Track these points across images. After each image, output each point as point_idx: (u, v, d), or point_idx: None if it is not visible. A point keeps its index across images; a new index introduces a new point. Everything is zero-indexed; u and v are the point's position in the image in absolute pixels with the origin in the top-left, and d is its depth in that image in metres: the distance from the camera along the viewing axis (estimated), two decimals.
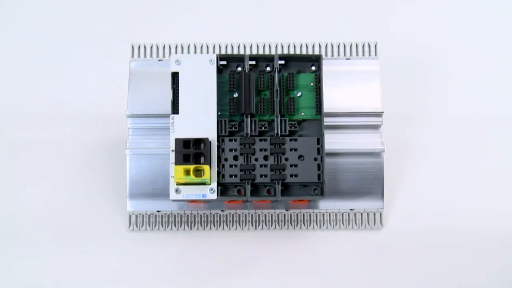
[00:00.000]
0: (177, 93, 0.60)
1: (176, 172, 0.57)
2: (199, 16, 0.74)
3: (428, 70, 0.71)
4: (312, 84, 0.61)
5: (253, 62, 0.61)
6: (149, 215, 0.65)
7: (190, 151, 0.57)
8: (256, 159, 0.59)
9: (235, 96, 0.60)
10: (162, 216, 0.65)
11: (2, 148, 0.68)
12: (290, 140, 0.59)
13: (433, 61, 0.72)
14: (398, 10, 0.74)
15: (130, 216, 0.65)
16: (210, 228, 0.65)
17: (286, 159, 0.59)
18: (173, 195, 0.58)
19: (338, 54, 0.66)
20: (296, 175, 0.59)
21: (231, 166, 0.59)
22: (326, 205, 0.64)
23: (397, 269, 0.64)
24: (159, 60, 0.65)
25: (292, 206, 0.64)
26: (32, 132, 0.69)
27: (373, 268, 0.64)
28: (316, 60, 0.61)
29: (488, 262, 0.64)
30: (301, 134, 0.60)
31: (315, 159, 0.59)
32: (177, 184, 0.58)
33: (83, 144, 0.68)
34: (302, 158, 0.59)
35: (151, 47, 0.66)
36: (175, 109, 0.59)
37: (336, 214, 0.65)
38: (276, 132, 0.60)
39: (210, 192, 0.58)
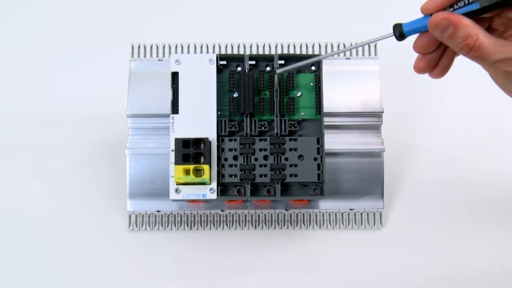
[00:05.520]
0: (177, 93, 0.60)
1: (176, 172, 0.57)
2: (199, 16, 0.74)
3: None
4: (312, 84, 0.61)
5: (253, 62, 0.61)
6: (149, 215, 0.65)
7: (190, 151, 0.57)
8: (256, 159, 0.59)
9: (235, 96, 0.60)
10: (162, 216, 0.65)
11: (2, 148, 0.68)
12: (290, 140, 0.59)
13: None
14: (398, 10, 0.74)
15: (130, 216, 0.65)
16: (210, 228, 0.65)
17: (286, 159, 0.59)
18: (173, 195, 0.58)
19: (338, 54, 0.66)
20: (296, 175, 0.59)
21: (231, 166, 0.59)
22: (326, 205, 0.64)
23: (397, 269, 0.64)
24: (159, 60, 0.65)
25: (292, 206, 0.64)
26: (32, 132, 0.69)
27: (373, 268, 0.64)
28: None
29: (489, 261, 0.64)
30: (301, 134, 0.60)
31: (315, 159, 0.59)
32: (177, 184, 0.58)
33: (83, 144, 0.68)
34: (302, 158, 0.59)
35: (151, 47, 0.66)
36: (175, 109, 0.60)
37: (336, 214, 0.65)
38: (276, 132, 0.60)
39: (210, 192, 0.58)
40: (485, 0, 0.46)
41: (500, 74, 0.49)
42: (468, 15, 0.47)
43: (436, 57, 0.51)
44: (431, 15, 0.48)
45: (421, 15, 0.49)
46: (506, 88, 0.50)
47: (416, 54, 0.51)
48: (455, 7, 0.47)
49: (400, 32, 0.50)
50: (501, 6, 0.46)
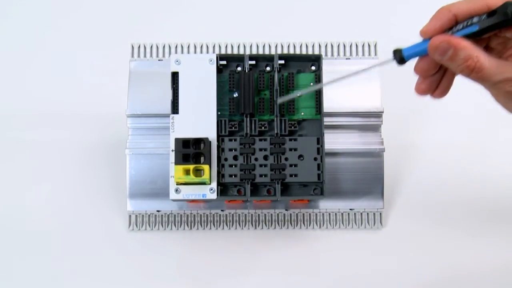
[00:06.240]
0: (177, 93, 0.60)
1: (176, 172, 0.57)
2: (199, 16, 0.74)
3: None
4: (312, 83, 0.61)
5: (253, 62, 0.61)
6: (149, 215, 0.65)
7: (190, 151, 0.57)
8: (256, 159, 0.59)
9: (235, 96, 0.60)
10: (162, 216, 0.65)
11: (2, 148, 0.68)
12: (290, 140, 0.59)
13: None
14: (398, 10, 0.74)
15: (130, 216, 0.65)
16: (210, 228, 0.65)
17: (286, 159, 0.59)
18: (173, 195, 0.58)
19: (338, 54, 0.66)
20: (296, 175, 0.59)
21: (231, 166, 0.59)
22: (326, 205, 0.64)
23: (397, 269, 0.64)
24: (159, 60, 0.65)
25: (292, 206, 0.64)
26: (32, 132, 0.69)
27: (373, 268, 0.64)
28: (316, 60, 0.61)
29: (489, 261, 0.64)
30: (301, 134, 0.60)
31: (315, 158, 0.59)
32: (177, 184, 0.58)
33: (83, 144, 0.68)
34: (302, 158, 0.59)
35: (151, 47, 0.66)
36: (175, 109, 0.60)
37: (336, 214, 0.65)
38: (276, 131, 0.60)
39: (210, 192, 0.58)
40: (484, 22, 0.46)
41: (501, 94, 0.49)
42: (467, 37, 0.47)
43: (437, 79, 0.51)
44: (430, 38, 0.48)
45: (420, 39, 0.49)
46: (508, 107, 0.50)
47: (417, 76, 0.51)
48: (454, 29, 0.48)
49: (400, 57, 0.50)
50: (500, 27, 0.46)
